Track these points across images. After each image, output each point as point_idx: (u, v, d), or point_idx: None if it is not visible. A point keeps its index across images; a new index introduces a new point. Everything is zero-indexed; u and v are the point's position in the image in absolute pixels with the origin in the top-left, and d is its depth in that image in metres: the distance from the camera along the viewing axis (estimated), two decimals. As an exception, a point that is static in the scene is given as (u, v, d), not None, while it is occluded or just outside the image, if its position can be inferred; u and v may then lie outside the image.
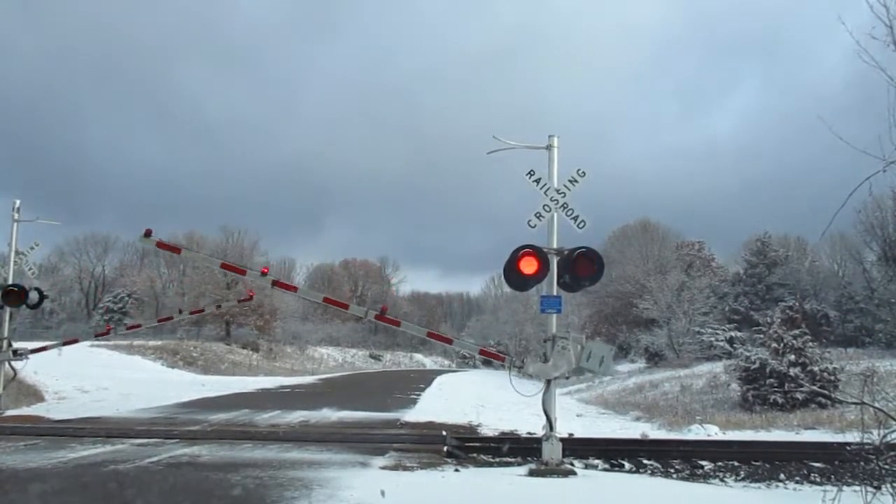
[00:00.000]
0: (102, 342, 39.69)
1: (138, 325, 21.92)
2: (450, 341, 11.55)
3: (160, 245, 10.94)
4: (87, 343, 37.34)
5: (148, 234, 10.60)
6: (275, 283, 10.70)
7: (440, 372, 48.48)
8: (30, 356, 14.30)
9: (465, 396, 21.33)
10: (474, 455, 9.68)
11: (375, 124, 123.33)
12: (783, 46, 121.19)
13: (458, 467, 8.57)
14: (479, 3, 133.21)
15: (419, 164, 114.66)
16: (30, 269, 14.55)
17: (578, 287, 9.58)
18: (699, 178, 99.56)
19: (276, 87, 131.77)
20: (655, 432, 14.32)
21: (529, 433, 11.65)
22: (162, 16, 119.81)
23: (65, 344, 16.83)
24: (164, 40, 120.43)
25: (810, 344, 21.22)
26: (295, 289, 12.38)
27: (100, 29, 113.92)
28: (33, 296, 13.98)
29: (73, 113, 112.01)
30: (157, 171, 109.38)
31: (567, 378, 9.04)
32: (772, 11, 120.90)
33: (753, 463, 9.30)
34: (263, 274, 10.38)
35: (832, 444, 9.68)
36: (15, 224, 14.13)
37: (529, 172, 8.75)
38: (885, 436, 5.21)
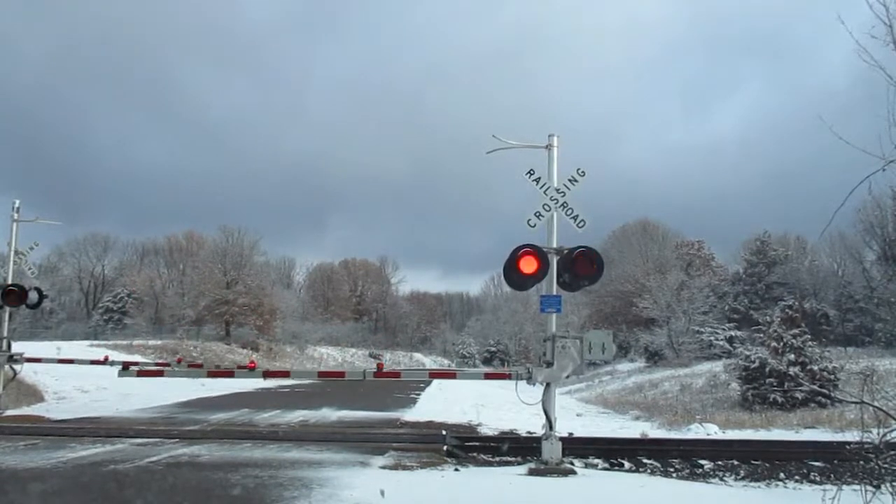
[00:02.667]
0: (102, 342, 39.83)
1: (135, 363, 22.20)
2: (453, 375, 12.59)
3: (141, 373, 11.68)
4: (87, 343, 37.50)
5: (126, 367, 11.49)
6: (266, 374, 11.52)
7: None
8: (24, 364, 14.20)
9: (464, 396, 21.31)
10: (474, 454, 9.68)
11: (379, 124, 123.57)
12: (787, 45, 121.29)
13: (458, 467, 8.56)
14: (482, 3, 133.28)
15: (422, 164, 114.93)
16: (29, 268, 14.52)
17: (578, 286, 9.57)
18: (700, 177, 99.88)
19: (280, 87, 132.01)
20: (655, 431, 14.33)
21: (529, 432, 11.65)
22: (166, 15, 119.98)
23: (60, 362, 16.83)
24: (168, 40, 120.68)
25: (810, 343, 21.23)
26: (287, 374, 13.52)
27: (103, 28, 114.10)
28: (33, 296, 13.94)
29: (74, 112, 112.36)
30: (159, 171, 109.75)
31: (567, 378, 9.04)
32: (776, 10, 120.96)
33: (753, 462, 9.31)
34: (251, 369, 10.91)
35: (832, 443, 9.68)
36: (15, 224, 14.11)
37: (529, 172, 8.74)
38: (884, 435, 5.21)
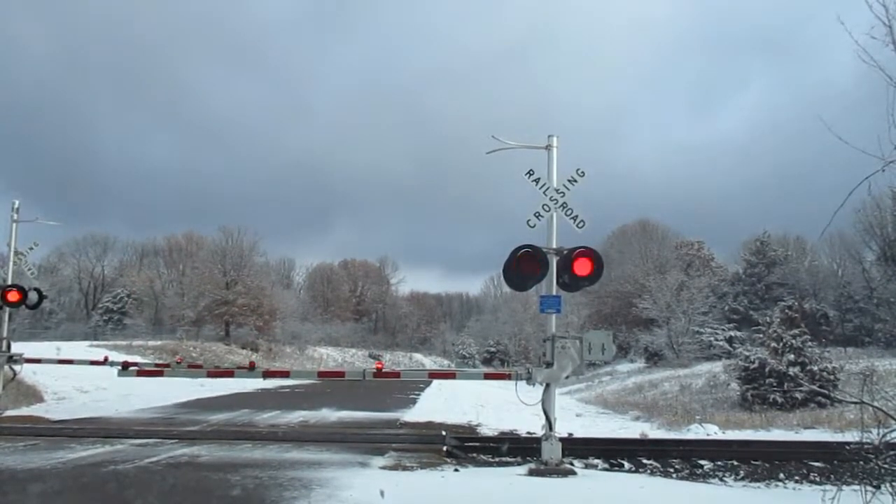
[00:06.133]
0: (102, 342, 39.84)
1: (135, 363, 22.07)
2: (453, 376, 12.60)
3: (141, 373, 11.71)
4: (87, 343, 37.50)
5: (125, 366, 11.58)
6: (266, 374, 11.53)
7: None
8: (24, 364, 14.17)
9: (464, 396, 21.31)
10: (474, 455, 9.68)
11: (382, 124, 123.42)
12: (791, 44, 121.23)
13: (458, 467, 8.56)
14: (488, 3, 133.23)
15: (425, 164, 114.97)
16: (29, 269, 14.51)
17: (578, 287, 9.57)
18: (701, 176, 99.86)
19: (284, 87, 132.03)
20: (655, 432, 14.33)
21: (529, 433, 11.65)
22: (170, 14, 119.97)
23: (60, 362, 16.81)
24: (172, 39, 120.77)
25: (809, 343, 21.24)
26: (287, 373, 13.48)
27: (106, 27, 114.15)
28: (33, 296, 13.93)
29: (76, 112, 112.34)
30: (160, 171, 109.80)
31: (567, 378, 9.04)
32: (780, 9, 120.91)
33: (753, 462, 9.30)
34: (251, 368, 10.96)
35: (831, 443, 9.69)
36: (14, 224, 14.09)
37: (529, 172, 8.73)
38: (884, 435, 5.21)
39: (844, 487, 5.24)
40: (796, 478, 8.75)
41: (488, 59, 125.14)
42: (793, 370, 19.77)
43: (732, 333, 38.52)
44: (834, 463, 8.81)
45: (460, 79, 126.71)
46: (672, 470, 9.14)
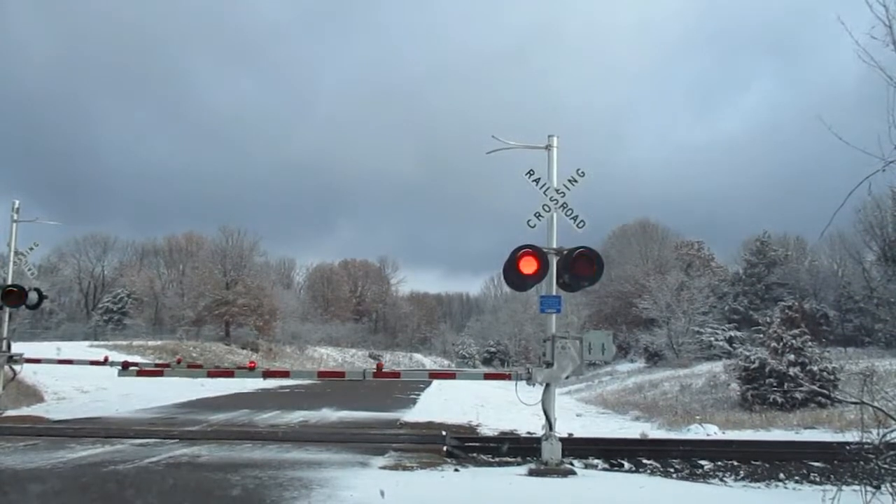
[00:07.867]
0: (102, 342, 39.85)
1: (135, 364, 22.09)
2: (453, 376, 13.20)
3: (141, 373, 11.76)
4: (87, 343, 37.52)
5: (126, 366, 11.68)
6: (266, 374, 11.71)
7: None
8: (24, 364, 14.15)
9: (464, 396, 21.30)
10: (474, 455, 9.68)
11: (385, 124, 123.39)
12: (794, 44, 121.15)
13: (458, 467, 8.56)
14: (491, 3, 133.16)
15: (427, 164, 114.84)
16: (29, 269, 14.51)
17: (578, 287, 9.58)
18: (701, 176, 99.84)
19: (286, 86, 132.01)
20: (655, 432, 14.33)
21: (529, 433, 11.65)
22: (172, 13, 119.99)
23: (60, 363, 16.80)
24: (174, 37, 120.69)
25: (810, 343, 21.23)
26: (287, 373, 13.62)
27: (109, 27, 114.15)
28: (33, 296, 13.93)
29: (77, 112, 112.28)
30: (163, 171, 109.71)
31: (567, 378, 9.04)
32: (783, 9, 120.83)
33: (753, 462, 9.30)
34: (251, 369, 11.03)
35: (832, 443, 9.68)
36: (14, 224, 14.09)
37: (529, 172, 8.73)
38: (884, 435, 5.21)
39: (844, 488, 5.24)
40: (796, 478, 8.75)
41: (489, 59, 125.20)
42: (793, 370, 19.76)
43: (732, 333, 38.52)
44: (834, 463, 8.81)
45: (461, 78, 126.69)
46: (672, 470, 9.14)
